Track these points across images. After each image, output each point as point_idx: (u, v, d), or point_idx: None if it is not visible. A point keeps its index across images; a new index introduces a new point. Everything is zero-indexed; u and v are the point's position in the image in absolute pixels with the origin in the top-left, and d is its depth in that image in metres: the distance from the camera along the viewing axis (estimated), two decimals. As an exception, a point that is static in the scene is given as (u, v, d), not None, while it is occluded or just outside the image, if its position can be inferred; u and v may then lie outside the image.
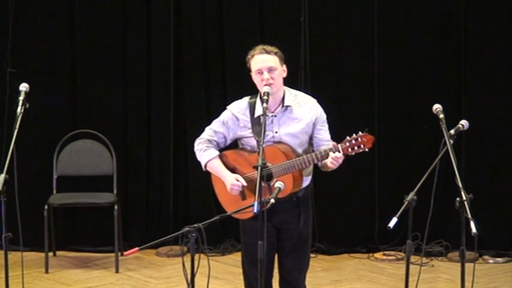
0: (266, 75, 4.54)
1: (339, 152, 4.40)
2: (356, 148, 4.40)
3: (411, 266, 4.49)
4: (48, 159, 7.37)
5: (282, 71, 4.62)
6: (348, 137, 4.43)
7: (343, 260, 7.36)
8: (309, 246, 4.80)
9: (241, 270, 4.81)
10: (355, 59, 7.47)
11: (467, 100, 7.31)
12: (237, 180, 4.58)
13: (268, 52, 4.58)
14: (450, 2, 7.33)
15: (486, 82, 7.32)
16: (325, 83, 7.39)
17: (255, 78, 4.60)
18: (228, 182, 4.59)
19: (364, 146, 4.40)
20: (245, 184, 4.57)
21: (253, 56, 4.60)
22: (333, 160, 4.41)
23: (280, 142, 4.59)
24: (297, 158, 4.50)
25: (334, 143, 4.48)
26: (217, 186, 4.74)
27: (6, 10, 7.41)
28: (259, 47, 4.61)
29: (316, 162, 4.52)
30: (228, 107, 4.74)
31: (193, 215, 7.53)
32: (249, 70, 4.63)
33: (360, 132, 4.41)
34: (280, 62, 4.61)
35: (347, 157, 4.48)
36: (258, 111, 4.58)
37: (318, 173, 4.79)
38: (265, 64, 4.54)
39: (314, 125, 4.64)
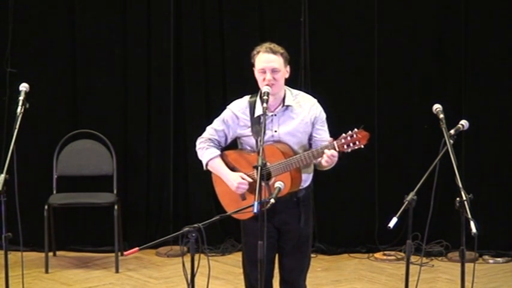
0: (269, 76, 4.53)
1: (335, 149, 4.40)
2: (351, 145, 4.39)
3: (411, 266, 4.49)
4: (48, 159, 7.37)
5: (285, 72, 4.61)
6: (343, 134, 4.41)
7: (343, 260, 7.36)
8: (309, 247, 4.80)
9: (241, 270, 4.81)
10: (355, 59, 7.47)
11: (467, 100, 7.32)
12: (243, 178, 4.58)
13: (274, 52, 4.57)
14: (450, 2, 7.33)
15: (486, 82, 7.32)
16: (325, 83, 7.39)
17: (257, 76, 4.59)
18: (234, 181, 4.58)
19: (359, 142, 4.38)
20: (251, 180, 4.56)
21: (258, 52, 4.58)
22: (328, 158, 4.39)
23: (279, 141, 4.59)
24: (294, 156, 4.49)
25: (330, 139, 4.46)
26: (218, 186, 4.74)
27: (6, 10, 7.41)
28: (266, 45, 4.59)
29: (313, 160, 4.51)
30: (228, 106, 4.75)
31: (193, 215, 7.54)
32: (251, 65, 4.62)
33: (356, 129, 4.40)
34: (285, 63, 4.60)
35: (344, 155, 4.47)
36: (258, 110, 4.58)
37: (318, 173, 4.78)
38: (269, 65, 4.53)
39: (313, 124, 4.63)
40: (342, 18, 7.44)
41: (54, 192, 7.29)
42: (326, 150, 4.39)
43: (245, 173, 4.61)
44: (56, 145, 7.37)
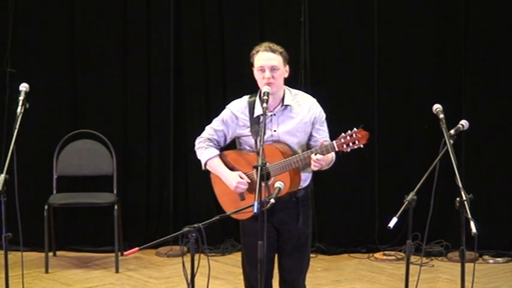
0: (268, 74, 4.53)
1: (334, 149, 4.39)
2: (351, 144, 4.39)
3: (411, 266, 4.49)
4: (48, 159, 7.37)
5: (284, 72, 4.61)
6: (342, 134, 4.41)
7: (343, 260, 7.36)
8: (308, 247, 4.80)
9: (241, 270, 4.81)
10: (355, 59, 7.47)
11: (467, 100, 7.32)
12: (241, 178, 4.58)
13: (273, 51, 4.57)
14: (450, 2, 7.33)
15: (486, 82, 7.32)
16: (325, 82, 7.39)
17: (257, 74, 4.59)
18: (233, 180, 4.58)
19: (359, 142, 4.38)
20: (249, 180, 4.56)
21: (258, 52, 4.59)
22: (315, 163, 4.40)
23: (278, 141, 4.59)
24: (292, 156, 4.49)
25: (322, 142, 4.46)
26: (217, 187, 4.74)
27: (6, 10, 7.41)
28: (265, 44, 4.60)
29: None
30: (227, 106, 4.75)
31: (193, 215, 7.53)
32: (251, 65, 4.62)
33: (355, 128, 4.40)
34: (284, 63, 4.60)
35: (344, 155, 4.46)
36: (258, 110, 4.58)
37: (318, 173, 4.78)
38: (268, 63, 4.54)
39: (313, 124, 4.63)
40: (342, 18, 7.44)
41: (54, 192, 7.29)
42: (312, 156, 4.39)
43: (244, 173, 4.61)
44: (56, 145, 7.37)
